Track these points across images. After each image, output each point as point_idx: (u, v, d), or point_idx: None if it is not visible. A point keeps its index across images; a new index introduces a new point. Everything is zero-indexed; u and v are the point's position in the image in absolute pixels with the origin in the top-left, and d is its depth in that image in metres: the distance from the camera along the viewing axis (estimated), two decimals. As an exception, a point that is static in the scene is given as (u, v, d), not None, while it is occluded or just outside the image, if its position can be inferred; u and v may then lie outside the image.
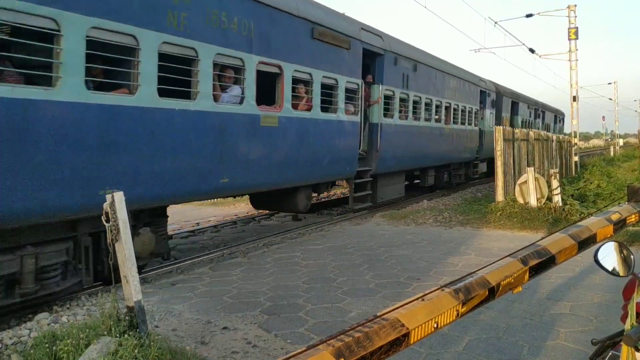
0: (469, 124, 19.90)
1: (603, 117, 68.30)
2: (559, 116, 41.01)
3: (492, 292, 2.02)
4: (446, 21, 28.66)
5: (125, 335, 4.02)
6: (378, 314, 1.69)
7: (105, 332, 4.10)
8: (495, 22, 25.61)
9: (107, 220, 4.26)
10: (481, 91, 21.59)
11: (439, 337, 4.63)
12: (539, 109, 32.84)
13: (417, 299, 1.77)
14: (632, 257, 2.29)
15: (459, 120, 18.76)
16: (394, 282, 6.61)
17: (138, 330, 4.14)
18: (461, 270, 6.89)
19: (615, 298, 5.53)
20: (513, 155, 13.39)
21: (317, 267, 7.51)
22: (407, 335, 1.64)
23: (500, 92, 24.46)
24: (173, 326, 5.16)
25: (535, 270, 2.42)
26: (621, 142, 64.87)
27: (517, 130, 14.21)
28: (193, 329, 5.10)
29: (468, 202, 14.52)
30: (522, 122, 27.58)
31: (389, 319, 1.63)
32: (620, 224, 3.36)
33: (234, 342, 4.76)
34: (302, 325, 5.15)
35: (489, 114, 22.61)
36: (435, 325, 1.75)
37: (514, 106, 26.73)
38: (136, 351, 3.80)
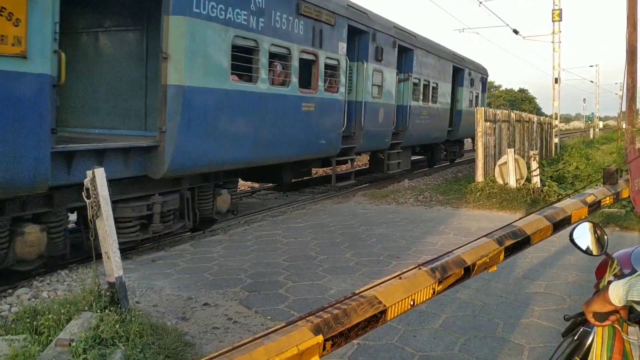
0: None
1: (584, 99, 69.10)
2: (477, 74, 23.21)
3: (468, 271, 2.08)
4: None
5: (107, 311, 4.03)
6: (356, 291, 1.73)
7: (86, 308, 4.10)
8: (480, 2, 25.59)
9: (88, 197, 4.22)
10: None
11: (416, 314, 4.73)
12: (397, 42, 14.11)
13: (395, 277, 1.82)
14: (605, 237, 2.34)
15: None
16: (374, 261, 6.70)
17: (119, 305, 4.15)
18: (440, 249, 6.98)
19: (589, 278, 5.68)
20: (494, 136, 13.51)
21: (298, 245, 7.56)
22: (384, 312, 1.69)
23: None
24: (154, 302, 5.19)
25: (511, 250, 2.49)
26: (601, 124, 65.80)
27: (498, 112, 14.31)
28: (174, 305, 5.13)
29: (448, 182, 14.68)
30: (325, 70, 10.85)
31: (367, 297, 1.67)
32: (594, 206, 3.45)
33: (214, 318, 4.80)
34: (283, 302, 5.21)
35: None
36: (412, 303, 1.80)
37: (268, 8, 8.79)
38: (117, 326, 3.82)
